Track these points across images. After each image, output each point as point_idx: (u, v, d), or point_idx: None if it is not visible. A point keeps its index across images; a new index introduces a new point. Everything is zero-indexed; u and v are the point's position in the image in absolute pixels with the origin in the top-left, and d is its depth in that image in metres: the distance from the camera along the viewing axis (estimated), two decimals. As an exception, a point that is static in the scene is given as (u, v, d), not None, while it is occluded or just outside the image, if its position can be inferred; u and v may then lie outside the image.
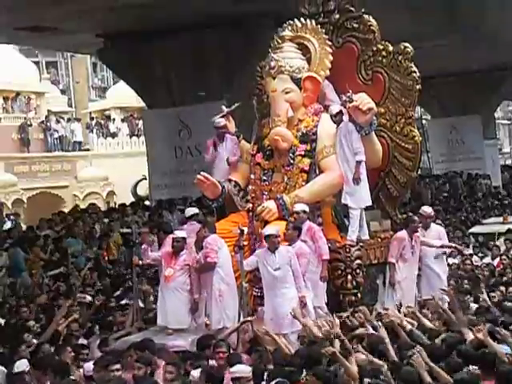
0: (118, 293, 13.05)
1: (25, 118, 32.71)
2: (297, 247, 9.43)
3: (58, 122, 34.13)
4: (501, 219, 19.36)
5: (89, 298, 12.18)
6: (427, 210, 11.61)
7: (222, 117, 10.95)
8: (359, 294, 9.93)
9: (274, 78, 10.38)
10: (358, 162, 9.90)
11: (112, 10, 17.22)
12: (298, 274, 9.23)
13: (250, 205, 10.33)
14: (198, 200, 15.84)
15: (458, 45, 23.98)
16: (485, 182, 31.02)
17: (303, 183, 10.12)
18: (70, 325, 10.19)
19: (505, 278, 12.77)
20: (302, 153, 10.18)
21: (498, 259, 14.82)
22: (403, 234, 10.73)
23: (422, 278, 10.99)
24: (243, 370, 7.30)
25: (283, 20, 11.23)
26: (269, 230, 9.39)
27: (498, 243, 16.23)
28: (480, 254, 16.08)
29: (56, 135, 33.69)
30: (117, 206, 21.67)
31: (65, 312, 10.32)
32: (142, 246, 10.21)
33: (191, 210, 11.07)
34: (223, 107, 11.06)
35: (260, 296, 9.57)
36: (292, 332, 8.99)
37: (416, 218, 11.06)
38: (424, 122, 35.88)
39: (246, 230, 9.53)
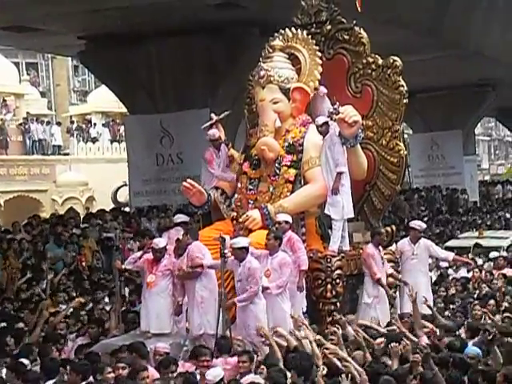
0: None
1: (1, 120, 32.28)
2: (279, 257, 9.40)
3: (37, 123, 33.69)
4: (476, 233, 19.50)
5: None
6: (420, 224, 11.63)
7: (211, 125, 10.92)
8: (338, 304, 9.99)
9: (263, 88, 10.44)
10: (339, 174, 9.95)
11: (95, 13, 16.94)
12: (251, 288, 9.01)
13: (235, 213, 10.33)
14: (179, 210, 15.73)
15: (441, 60, 24.17)
16: (462, 196, 31.28)
17: (288, 193, 10.16)
18: (57, 325, 10.25)
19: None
20: (288, 163, 10.23)
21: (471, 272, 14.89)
22: (371, 248, 10.62)
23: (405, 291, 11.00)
24: (217, 373, 7.46)
25: (269, 29, 11.25)
26: (238, 241, 9.25)
27: (470, 256, 16.30)
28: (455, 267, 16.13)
29: (35, 138, 33.27)
30: (95, 212, 21.37)
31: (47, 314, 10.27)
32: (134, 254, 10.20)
33: (180, 217, 10.97)
34: (213, 115, 11.04)
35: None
36: (262, 343, 8.79)
37: (382, 230, 10.99)
38: (406, 136, 35.99)
39: (227, 238, 9.49)
